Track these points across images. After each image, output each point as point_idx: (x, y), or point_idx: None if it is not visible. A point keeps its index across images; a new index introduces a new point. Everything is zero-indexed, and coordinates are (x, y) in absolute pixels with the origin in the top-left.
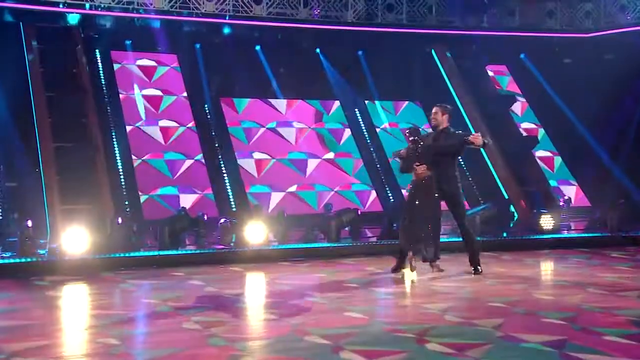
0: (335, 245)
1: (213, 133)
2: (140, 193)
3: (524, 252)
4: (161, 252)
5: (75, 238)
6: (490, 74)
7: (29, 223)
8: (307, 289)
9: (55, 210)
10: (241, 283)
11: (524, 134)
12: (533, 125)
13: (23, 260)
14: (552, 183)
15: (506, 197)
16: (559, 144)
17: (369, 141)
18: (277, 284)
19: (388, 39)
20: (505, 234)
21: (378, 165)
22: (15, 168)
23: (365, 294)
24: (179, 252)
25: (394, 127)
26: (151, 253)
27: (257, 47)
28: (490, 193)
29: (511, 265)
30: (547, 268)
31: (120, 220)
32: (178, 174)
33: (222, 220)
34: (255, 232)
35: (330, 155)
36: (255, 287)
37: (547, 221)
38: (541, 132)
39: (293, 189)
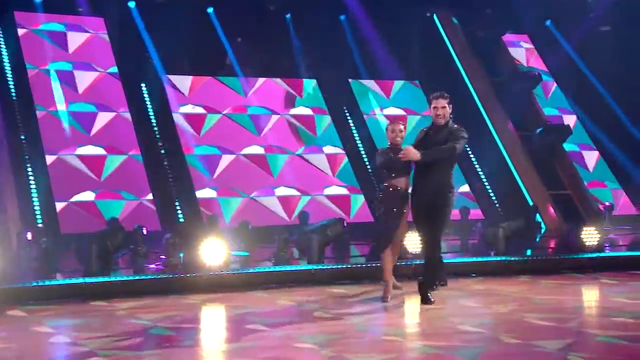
0: (321, 267)
1: (154, 121)
2: (56, 199)
3: (561, 277)
4: (87, 279)
5: None
6: (509, 46)
7: None
8: (281, 326)
9: None
10: (193, 320)
11: (553, 122)
12: (563, 112)
13: None
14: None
15: (531, 203)
16: (597, 136)
17: (354, 131)
18: (241, 321)
19: (378, 0)
20: (529, 252)
21: (367, 162)
22: None
23: (366, 336)
24: (111, 279)
25: (387, 112)
26: (73, 280)
27: (210, 10)
28: (511, 199)
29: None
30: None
31: (29, 235)
32: (107, 175)
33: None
34: (213, 251)
35: (305, 149)
36: (213, 327)
37: (590, 236)
38: (574, 121)
39: (257, 193)
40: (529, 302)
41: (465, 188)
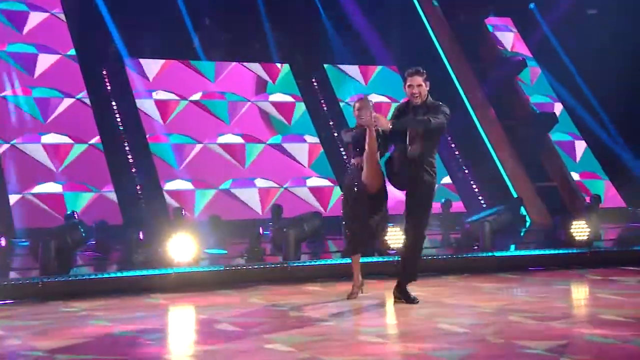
0: (297, 264)
1: (115, 107)
2: (9, 192)
3: (548, 273)
4: (44, 278)
5: None
6: (491, 29)
7: None
8: (255, 334)
9: None
10: (159, 322)
11: (538, 111)
12: (548, 99)
13: None
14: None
15: (515, 196)
16: (584, 124)
17: (330, 119)
18: (211, 322)
19: None
20: (513, 247)
21: (343, 152)
22: None
23: (345, 338)
24: (72, 278)
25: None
26: (30, 280)
27: None
28: (495, 191)
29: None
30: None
31: None
32: (64, 165)
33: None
34: (181, 248)
35: (278, 138)
36: (180, 329)
37: (581, 230)
38: (560, 109)
39: (227, 185)
40: (515, 300)
41: (446, 179)
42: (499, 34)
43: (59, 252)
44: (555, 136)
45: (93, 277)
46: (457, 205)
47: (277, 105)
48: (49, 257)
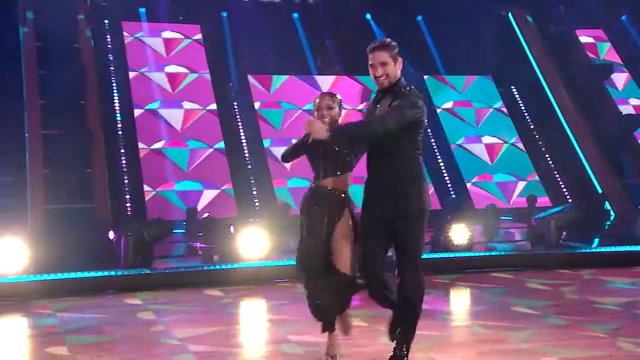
0: None
1: (238, 116)
2: (146, 188)
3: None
4: (119, 272)
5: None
6: (583, 40)
7: None
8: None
9: (37, 210)
10: (225, 321)
11: (625, 113)
12: (636, 103)
13: None
14: None
15: (600, 191)
16: None
17: (427, 127)
18: (273, 322)
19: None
20: (596, 241)
21: (437, 154)
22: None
23: None
24: (142, 272)
25: (459, 106)
26: (106, 273)
27: (295, 15)
28: (581, 187)
29: None
30: None
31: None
32: (193, 166)
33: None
34: (253, 241)
35: None
36: (244, 330)
37: None
38: None
39: None
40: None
41: (534, 176)
42: (590, 44)
43: (138, 246)
44: None
45: (161, 271)
46: (543, 201)
47: None
48: (128, 251)
